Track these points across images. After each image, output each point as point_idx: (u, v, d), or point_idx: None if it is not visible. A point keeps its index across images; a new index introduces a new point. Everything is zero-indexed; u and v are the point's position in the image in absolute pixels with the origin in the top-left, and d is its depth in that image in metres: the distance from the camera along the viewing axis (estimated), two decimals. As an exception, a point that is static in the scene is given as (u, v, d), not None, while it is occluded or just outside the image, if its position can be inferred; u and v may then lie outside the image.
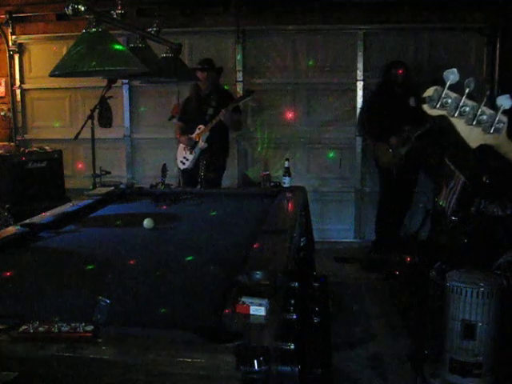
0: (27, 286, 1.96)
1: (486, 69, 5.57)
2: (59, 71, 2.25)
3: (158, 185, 3.88)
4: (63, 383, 1.37)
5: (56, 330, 1.40)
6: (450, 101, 1.31)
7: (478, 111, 1.31)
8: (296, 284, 2.00)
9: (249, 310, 1.52)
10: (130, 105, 6.04)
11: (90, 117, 4.80)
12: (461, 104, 1.31)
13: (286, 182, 3.87)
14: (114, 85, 4.93)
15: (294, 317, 1.81)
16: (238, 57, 5.83)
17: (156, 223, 2.85)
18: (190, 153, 4.98)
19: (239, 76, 5.86)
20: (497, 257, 3.23)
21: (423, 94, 1.30)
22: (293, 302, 1.88)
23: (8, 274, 2.11)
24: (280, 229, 2.53)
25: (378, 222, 5.46)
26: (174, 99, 5.76)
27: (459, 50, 5.57)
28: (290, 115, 5.92)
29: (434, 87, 1.29)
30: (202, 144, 4.89)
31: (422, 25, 5.56)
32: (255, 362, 1.26)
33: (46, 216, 2.99)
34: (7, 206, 4.80)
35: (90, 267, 2.17)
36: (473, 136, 1.34)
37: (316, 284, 2.76)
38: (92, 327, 1.41)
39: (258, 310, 1.52)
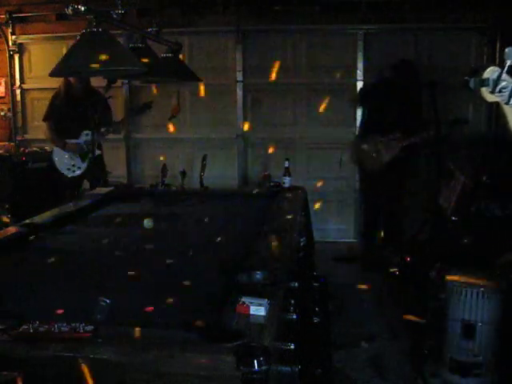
0: (27, 286, 1.96)
1: (486, 69, 5.56)
2: (59, 71, 2.25)
3: (158, 185, 3.88)
4: (63, 383, 1.37)
5: (56, 330, 1.40)
6: (507, 85, 1.17)
7: None
8: (296, 284, 2.00)
9: (249, 310, 1.52)
10: (130, 105, 6.04)
11: (90, 117, 4.79)
12: None
13: (286, 181, 3.87)
14: (113, 85, 4.92)
15: (294, 317, 1.81)
16: (238, 57, 5.83)
17: (156, 223, 2.85)
18: (82, 160, 4.83)
19: (239, 76, 5.86)
20: (497, 257, 3.23)
21: (483, 74, 1.13)
22: (293, 302, 1.88)
23: (8, 273, 2.11)
24: (280, 229, 2.53)
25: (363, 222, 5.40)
26: (174, 99, 5.76)
27: (459, 50, 5.57)
28: (290, 115, 5.92)
29: (492, 67, 1.14)
30: (96, 151, 4.77)
31: (422, 25, 5.56)
32: (255, 362, 1.25)
33: (46, 216, 2.99)
34: (7, 205, 4.79)
35: (90, 267, 2.17)
36: None
37: (316, 284, 2.76)
38: (92, 327, 1.41)
39: (257, 309, 1.51)
